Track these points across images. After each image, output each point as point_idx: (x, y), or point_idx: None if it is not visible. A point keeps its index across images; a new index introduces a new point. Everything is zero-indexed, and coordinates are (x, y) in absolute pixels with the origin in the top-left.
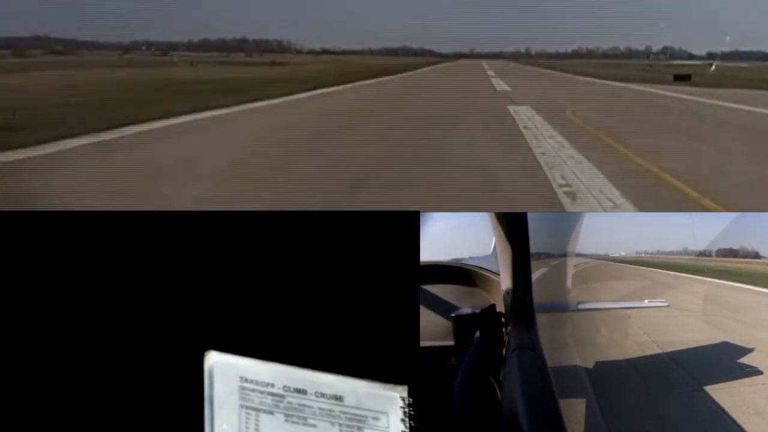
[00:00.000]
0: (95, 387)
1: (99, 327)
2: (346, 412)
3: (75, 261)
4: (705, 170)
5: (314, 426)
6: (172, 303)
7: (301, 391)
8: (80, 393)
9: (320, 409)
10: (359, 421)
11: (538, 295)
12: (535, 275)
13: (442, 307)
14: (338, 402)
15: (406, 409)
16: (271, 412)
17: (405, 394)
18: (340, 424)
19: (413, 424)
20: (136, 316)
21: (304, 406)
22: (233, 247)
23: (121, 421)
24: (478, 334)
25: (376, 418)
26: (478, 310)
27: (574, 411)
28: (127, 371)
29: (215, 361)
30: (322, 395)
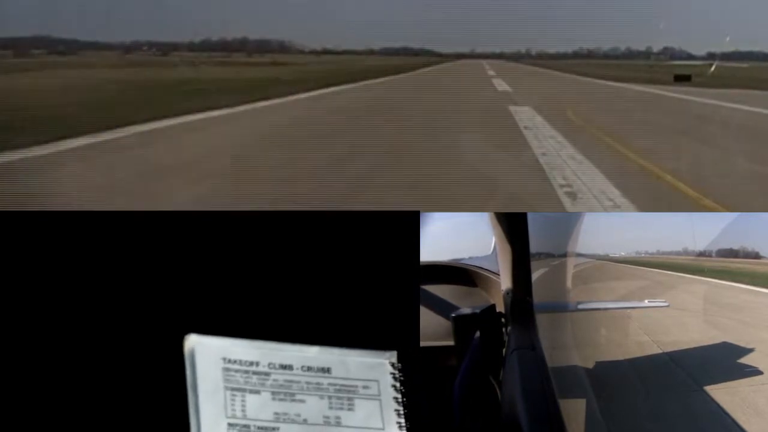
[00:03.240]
0: (89, 381)
1: (98, 326)
2: (334, 384)
3: (74, 261)
4: (705, 170)
5: (303, 401)
6: (171, 303)
7: (287, 367)
8: (72, 386)
9: (308, 383)
10: (349, 391)
11: (538, 295)
12: (535, 275)
13: (442, 307)
14: (326, 374)
15: (397, 374)
16: (257, 392)
17: (394, 360)
18: (329, 397)
19: (404, 390)
20: (136, 315)
21: (291, 382)
22: (233, 247)
23: (107, 411)
24: (478, 334)
25: (366, 387)
26: (478, 310)
27: (574, 411)
28: (119, 366)
29: (196, 343)
30: (309, 369)
